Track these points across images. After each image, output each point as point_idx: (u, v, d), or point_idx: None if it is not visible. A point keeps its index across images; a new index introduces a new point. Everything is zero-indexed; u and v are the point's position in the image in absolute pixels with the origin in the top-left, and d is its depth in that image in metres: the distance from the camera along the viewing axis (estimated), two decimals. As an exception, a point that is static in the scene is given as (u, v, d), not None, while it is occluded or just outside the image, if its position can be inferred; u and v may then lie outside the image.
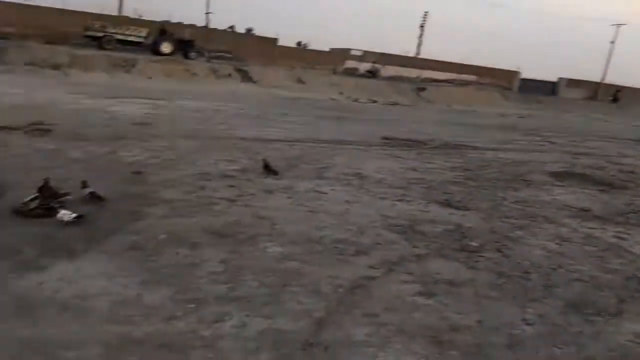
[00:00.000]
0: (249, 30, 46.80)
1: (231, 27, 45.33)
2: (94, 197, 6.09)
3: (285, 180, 7.99)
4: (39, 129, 9.97)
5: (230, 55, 34.04)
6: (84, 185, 6.22)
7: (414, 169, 9.92)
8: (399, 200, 7.46)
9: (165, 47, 27.49)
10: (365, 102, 26.55)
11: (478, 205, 7.64)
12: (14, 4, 32.02)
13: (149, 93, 17.71)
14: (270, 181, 7.87)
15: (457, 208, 7.35)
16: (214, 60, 29.80)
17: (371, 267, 4.98)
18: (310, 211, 6.54)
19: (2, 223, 5.20)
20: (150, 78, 21.95)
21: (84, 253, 4.73)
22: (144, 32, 28.11)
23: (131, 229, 5.41)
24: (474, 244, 5.90)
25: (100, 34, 26.52)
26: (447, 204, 7.54)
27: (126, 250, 4.86)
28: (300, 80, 28.53)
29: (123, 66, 22.66)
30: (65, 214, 5.41)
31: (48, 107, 12.74)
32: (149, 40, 28.14)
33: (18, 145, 8.57)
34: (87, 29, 27.22)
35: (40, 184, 5.99)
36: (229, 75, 25.36)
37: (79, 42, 27.35)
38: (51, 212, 5.55)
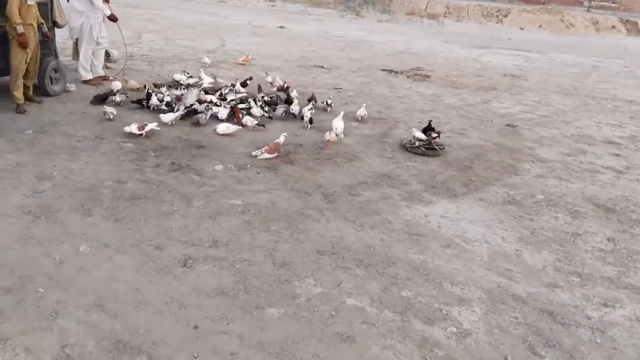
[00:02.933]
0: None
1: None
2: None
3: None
4: (418, 74, 10.77)
5: (614, 5, 29.42)
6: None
7: None
8: None
9: None
10: None
11: None
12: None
13: (520, 44, 16.98)
14: (669, 156, 6.54)
15: None
16: (593, 10, 26.36)
17: None
18: None
19: (394, 155, 5.82)
20: (522, 29, 20.97)
21: (463, 196, 4.88)
22: None
23: (507, 182, 5.30)
24: None
25: None
26: None
27: (503, 203, 4.79)
28: None
29: (495, 16, 22.34)
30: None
31: (425, 54, 13.60)
32: None
33: (403, 87, 9.44)
34: None
35: (424, 125, 6.46)
36: (612, 27, 22.05)
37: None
38: (432, 151, 5.94)
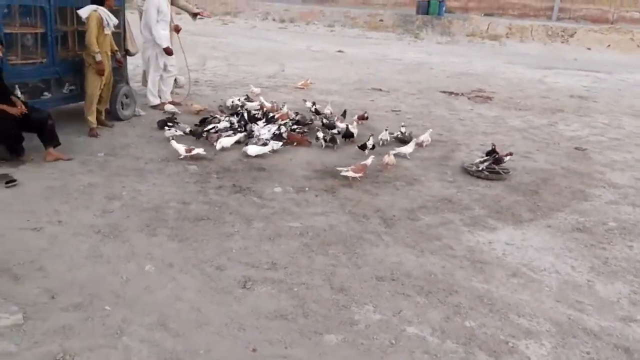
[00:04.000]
0: None
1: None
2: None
3: None
4: (480, 96, 10.55)
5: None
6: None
7: None
8: None
9: None
10: None
11: None
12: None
13: (588, 64, 16.34)
14: None
15: None
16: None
17: None
18: None
19: (455, 178, 5.68)
20: (589, 49, 20.18)
21: (529, 223, 4.68)
22: None
23: (576, 209, 5.04)
24: None
25: None
26: None
27: (572, 230, 4.55)
28: None
29: (560, 36, 21.65)
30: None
31: (487, 75, 13.33)
32: None
33: (464, 109, 9.27)
34: None
35: (488, 148, 6.30)
36: (689, 45, 20.79)
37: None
38: (496, 175, 5.75)
